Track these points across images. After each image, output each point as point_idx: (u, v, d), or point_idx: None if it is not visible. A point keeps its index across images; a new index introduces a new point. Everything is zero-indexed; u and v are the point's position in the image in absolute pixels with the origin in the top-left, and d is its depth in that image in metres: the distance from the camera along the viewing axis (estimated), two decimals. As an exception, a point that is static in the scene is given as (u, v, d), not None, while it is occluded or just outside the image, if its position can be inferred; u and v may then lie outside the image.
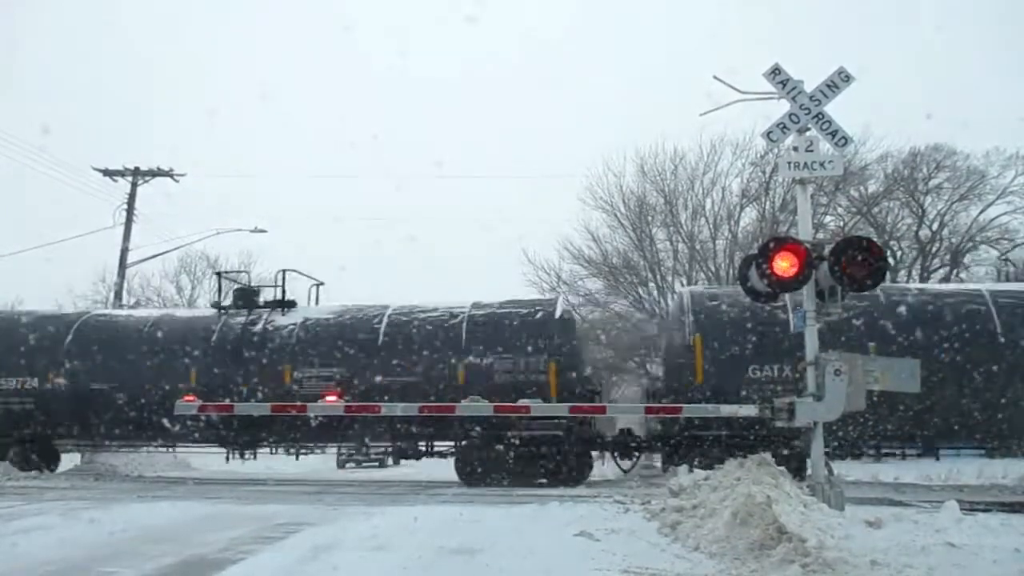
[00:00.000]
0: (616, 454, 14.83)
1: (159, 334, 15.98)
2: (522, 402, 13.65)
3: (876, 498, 10.39)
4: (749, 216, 32.84)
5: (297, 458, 17.19)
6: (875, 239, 10.84)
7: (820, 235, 25.66)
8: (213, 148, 63.68)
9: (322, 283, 17.14)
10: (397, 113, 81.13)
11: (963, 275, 31.88)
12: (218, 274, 17.32)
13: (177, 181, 26.00)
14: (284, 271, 16.72)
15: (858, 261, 8.23)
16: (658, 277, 32.95)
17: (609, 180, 33.21)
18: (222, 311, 16.18)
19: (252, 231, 29.27)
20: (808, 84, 9.02)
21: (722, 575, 5.68)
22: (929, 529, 6.81)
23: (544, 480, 13.85)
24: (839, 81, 9.02)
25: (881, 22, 59.23)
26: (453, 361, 14.58)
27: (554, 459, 13.92)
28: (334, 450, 24.42)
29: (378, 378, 14.69)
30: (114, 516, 8.96)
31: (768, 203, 31.81)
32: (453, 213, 64.15)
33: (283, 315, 15.85)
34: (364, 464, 25.61)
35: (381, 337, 15.00)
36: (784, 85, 9.01)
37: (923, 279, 31.71)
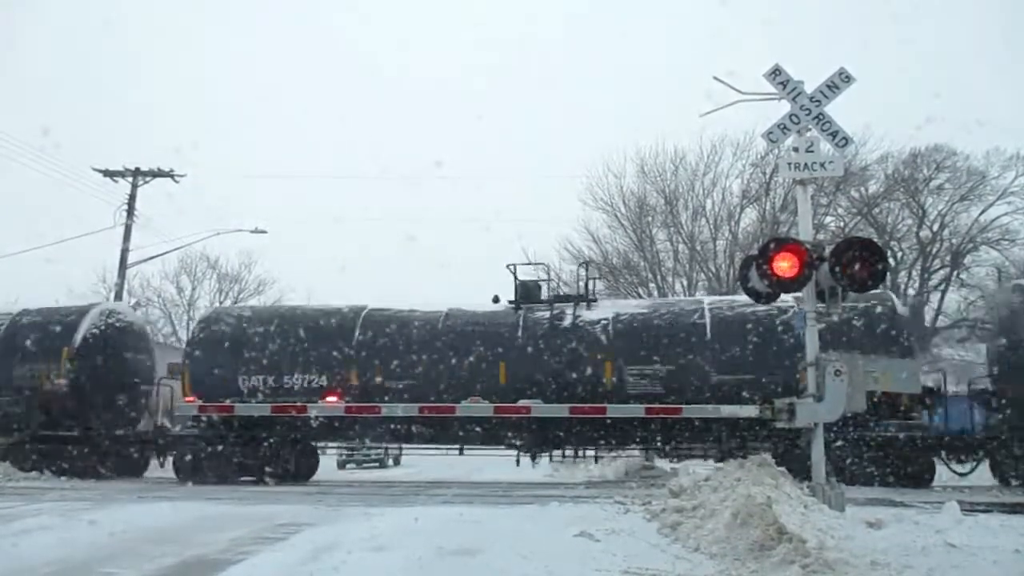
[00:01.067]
0: None
1: (454, 329, 15.02)
2: (522, 403, 13.66)
3: (876, 499, 10.37)
4: (749, 217, 32.87)
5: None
6: (875, 240, 10.86)
7: (820, 236, 25.68)
8: (213, 148, 63.74)
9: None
10: (397, 113, 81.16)
11: (963, 276, 31.90)
12: (512, 266, 15.74)
13: (177, 181, 26.01)
14: (587, 264, 16.40)
15: (858, 262, 8.23)
16: (658, 278, 32.95)
17: (609, 180, 33.24)
18: (519, 306, 15.26)
19: (252, 231, 29.32)
20: (808, 85, 9.03)
21: (722, 575, 5.68)
22: (929, 530, 6.81)
23: None
24: (839, 82, 9.01)
25: (881, 22, 59.23)
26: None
27: None
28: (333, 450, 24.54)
29: (713, 376, 13.95)
30: (114, 516, 8.96)
31: (768, 204, 31.82)
32: (453, 213, 64.21)
33: (588, 309, 15.13)
34: (364, 465, 25.62)
35: (708, 332, 14.31)
36: (784, 86, 9.01)
37: (923, 280, 31.72)
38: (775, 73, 9.03)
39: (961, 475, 14.04)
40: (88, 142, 56.36)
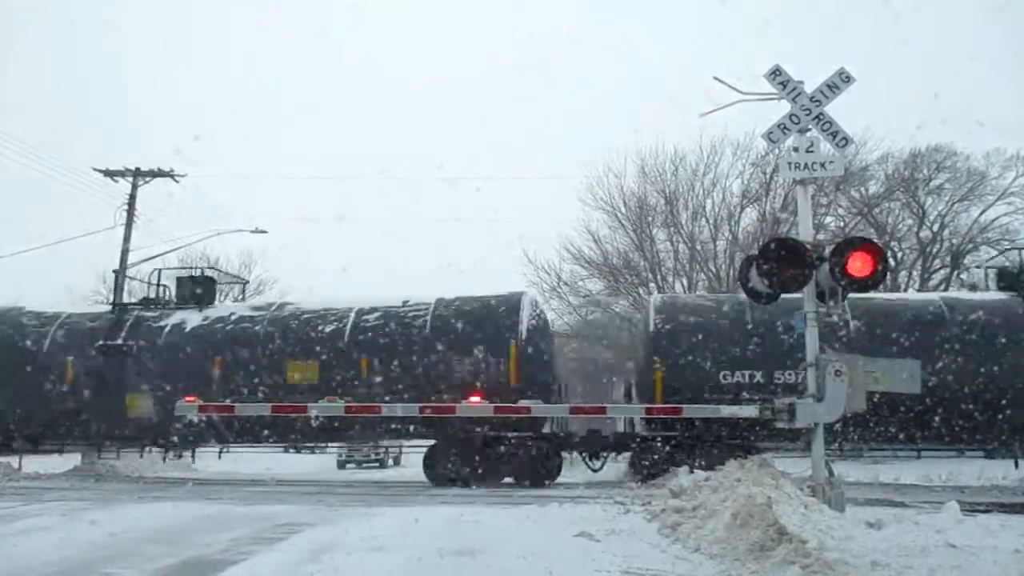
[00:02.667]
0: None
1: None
2: (522, 402, 13.66)
3: (876, 499, 10.38)
4: (749, 217, 32.86)
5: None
6: (876, 240, 10.85)
7: (821, 236, 25.68)
8: (213, 148, 63.74)
9: None
10: (397, 112, 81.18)
11: (963, 276, 31.88)
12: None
13: (178, 181, 25.98)
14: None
15: (858, 262, 8.22)
16: (658, 278, 32.94)
17: (610, 180, 33.25)
18: None
19: (252, 231, 29.33)
20: (809, 85, 9.03)
21: (722, 575, 5.69)
22: (930, 530, 6.81)
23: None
24: (839, 82, 9.01)
25: (882, 23, 59.23)
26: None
27: None
28: (333, 450, 24.56)
29: None
30: (114, 517, 8.96)
31: (769, 204, 31.81)
32: (453, 213, 64.25)
33: None
34: (364, 465, 25.64)
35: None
36: (785, 86, 9.01)
37: (923, 280, 31.72)
38: (775, 73, 9.03)
39: None
40: (88, 142, 56.42)
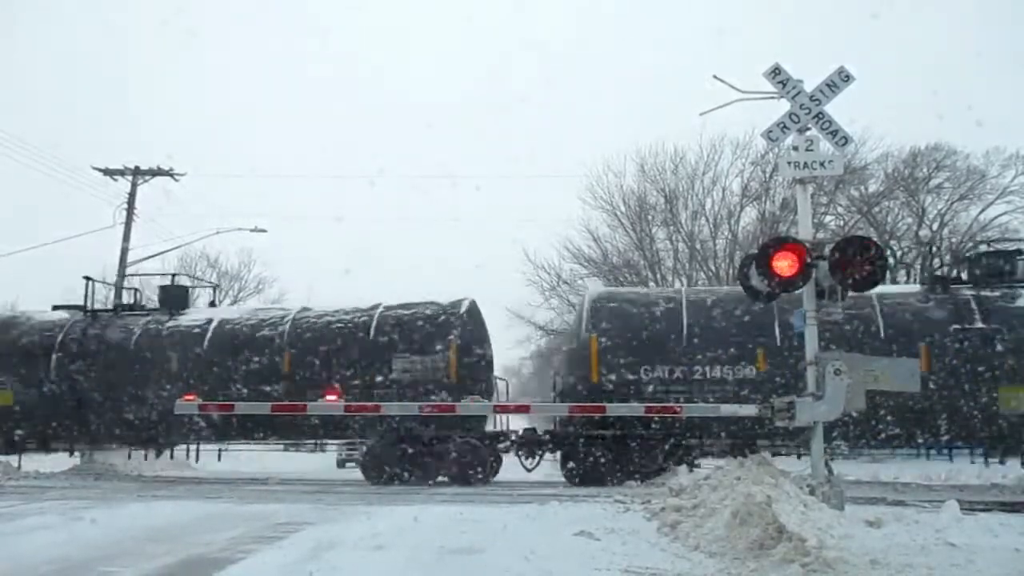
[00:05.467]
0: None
1: None
2: (522, 402, 13.67)
3: (876, 497, 10.39)
4: (749, 216, 32.86)
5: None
6: (875, 239, 10.86)
7: (820, 235, 25.69)
8: (213, 148, 63.72)
9: None
10: (397, 113, 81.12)
11: (963, 275, 31.87)
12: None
13: (177, 180, 25.99)
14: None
15: (858, 261, 8.23)
16: (658, 277, 32.95)
17: (609, 179, 33.26)
18: None
19: (252, 231, 29.32)
20: (809, 84, 9.03)
21: (722, 574, 5.68)
22: (929, 529, 6.83)
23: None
24: (839, 81, 9.02)
25: (882, 22, 59.19)
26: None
27: None
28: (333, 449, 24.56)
29: None
30: (114, 515, 8.97)
31: (768, 202, 31.81)
32: (453, 213, 64.24)
33: None
34: (364, 464, 25.61)
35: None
36: (784, 85, 9.01)
37: (924, 279, 31.71)
38: (775, 72, 9.03)
39: None
40: (88, 141, 56.40)
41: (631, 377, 14.07)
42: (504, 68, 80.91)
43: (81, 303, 17.50)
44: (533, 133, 70.78)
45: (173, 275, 18.69)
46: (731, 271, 29.40)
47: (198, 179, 56.00)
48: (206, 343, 15.77)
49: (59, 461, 18.00)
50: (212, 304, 20.27)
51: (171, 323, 16.39)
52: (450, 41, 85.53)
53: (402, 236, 70.35)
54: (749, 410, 12.02)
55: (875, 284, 8.78)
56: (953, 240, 32.14)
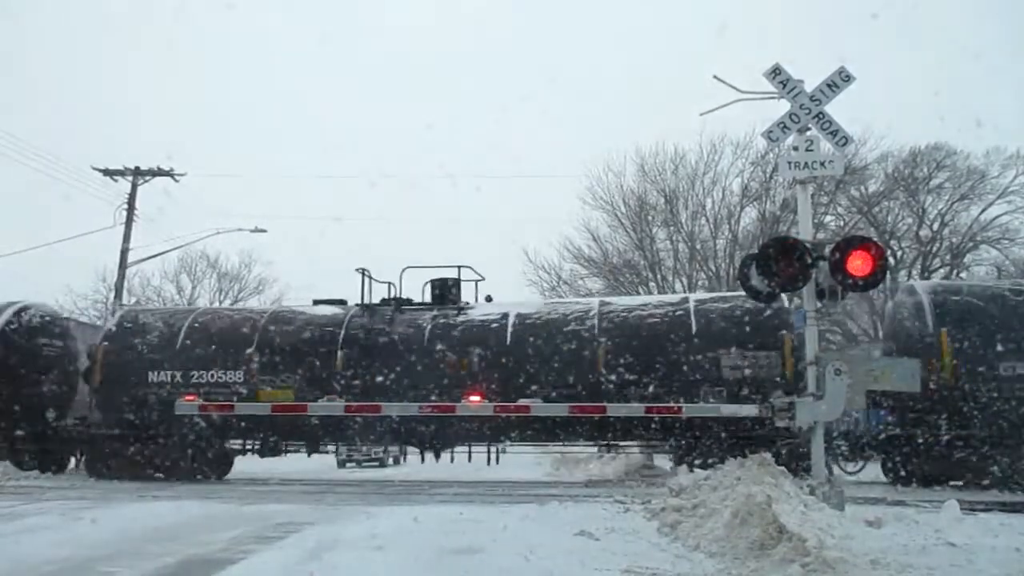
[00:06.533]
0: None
1: None
2: (521, 402, 13.64)
3: (876, 497, 10.37)
4: (749, 216, 32.91)
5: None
6: (875, 239, 10.85)
7: (821, 235, 25.70)
8: (213, 148, 63.74)
9: None
10: (397, 112, 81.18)
11: (963, 275, 31.91)
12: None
13: (177, 180, 26.01)
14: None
15: (858, 261, 8.23)
16: (658, 277, 32.97)
17: (609, 180, 33.31)
18: None
19: (252, 231, 29.37)
20: (809, 84, 9.03)
21: (722, 574, 5.68)
22: (929, 529, 6.82)
23: None
24: (839, 81, 9.02)
25: (882, 22, 59.22)
26: None
27: None
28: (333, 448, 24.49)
29: None
30: (115, 516, 8.96)
31: (768, 202, 31.83)
32: (453, 213, 64.24)
33: None
34: (364, 464, 25.62)
35: None
36: (784, 85, 9.01)
37: (924, 279, 31.75)
38: (775, 72, 9.04)
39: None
40: (88, 141, 56.42)
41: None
42: (503, 66, 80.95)
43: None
44: (533, 132, 70.83)
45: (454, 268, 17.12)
46: (731, 271, 29.42)
47: (198, 179, 56.09)
48: (508, 337, 14.60)
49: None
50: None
51: (462, 317, 15.28)
52: (448, 39, 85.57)
53: (402, 236, 70.34)
54: (750, 410, 12.02)
55: (875, 284, 8.79)
56: (953, 240, 32.17)
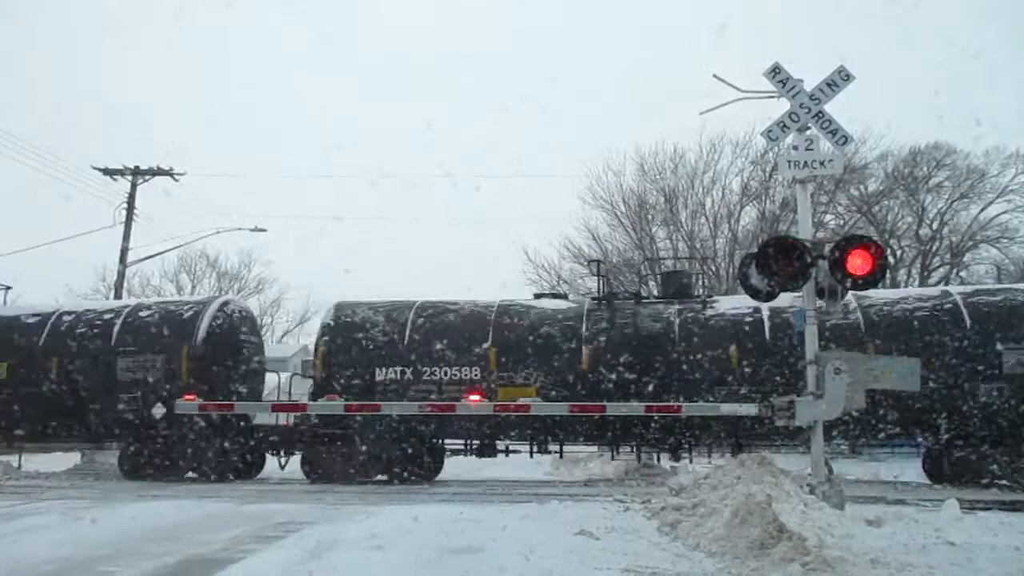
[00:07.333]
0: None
1: None
2: (521, 401, 13.63)
3: (876, 497, 10.38)
4: (749, 215, 32.91)
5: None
6: (875, 238, 10.84)
7: (820, 234, 25.69)
8: (213, 148, 63.73)
9: None
10: (397, 112, 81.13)
11: (963, 274, 31.92)
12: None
13: (177, 180, 25.96)
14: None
15: (858, 260, 8.23)
16: (658, 276, 32.94)
17: (609, 179, 33.31)
18: None
19: (252, 230, 29.35)
20: (809, 84, 9.03)
21: (722, 574, 5.68)
22: (929, 528, 6.83)
23: None
24: (839, 80, 9.02)
25: (882, 22, 59.20)
26: None
27: None
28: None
29: None
30: (114, 515, 8.96)
31: (768, 202, 31.84)
32: (453, 212, 64.22)
33: None
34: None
35: None
36: (784, 84, 9.01)
37: (923, 278, 31.76)
38: (775, 71, 9.04)
39: None
40: (88, 140, 56.40)
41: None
42: (503, 66, 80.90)
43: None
44: (533, 131, 70.79)
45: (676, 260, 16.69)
46: (731, 270, 29.41)
47: (198, 179, 56.13)
48: (767, 332, 13.83)
49: (59, 461, 17.99)
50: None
51: (709, 311, 14.52)
52: (448, 39, 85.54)
53: (402, 236, 70.34)
54: (749, 409, 12.01)
55: (875, 283, 8.78)
56: (953, 239, 32.16)
